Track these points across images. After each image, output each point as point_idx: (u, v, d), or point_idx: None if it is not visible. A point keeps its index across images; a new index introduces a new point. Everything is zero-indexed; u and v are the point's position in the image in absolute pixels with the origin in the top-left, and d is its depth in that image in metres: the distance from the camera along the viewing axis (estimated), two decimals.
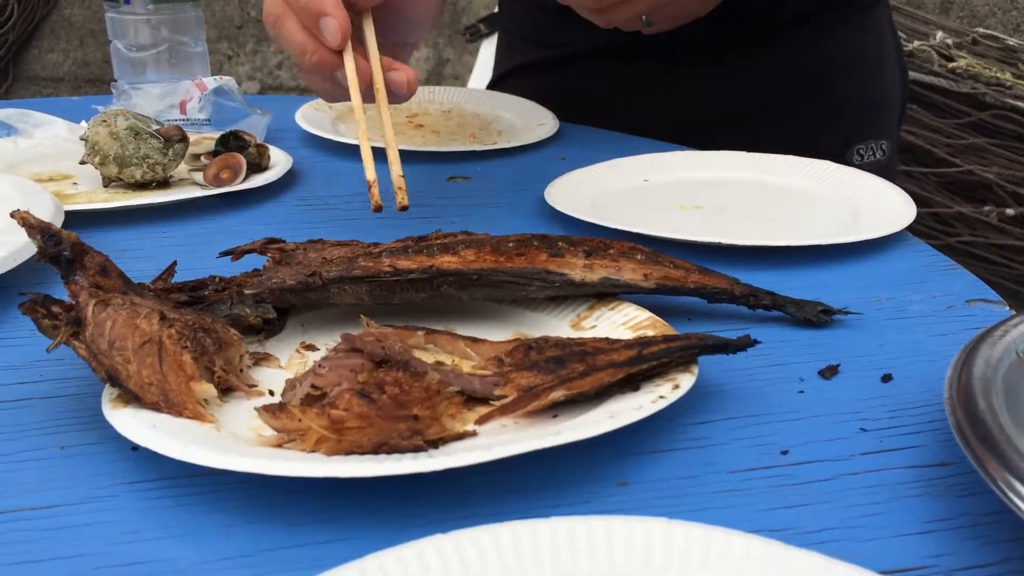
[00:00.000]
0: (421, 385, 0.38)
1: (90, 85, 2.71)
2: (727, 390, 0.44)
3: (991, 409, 0.34)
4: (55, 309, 0.41)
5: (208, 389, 0.39)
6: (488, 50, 1.88)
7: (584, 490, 0.37)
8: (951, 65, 2.07)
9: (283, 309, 0.49)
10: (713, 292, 0.50)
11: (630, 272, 0.50)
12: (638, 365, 0.40)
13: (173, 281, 0.49)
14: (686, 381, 0.40)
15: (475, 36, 2.00)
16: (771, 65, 0.93)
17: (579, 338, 0.43)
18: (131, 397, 0.38)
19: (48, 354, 0.41)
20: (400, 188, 0.53)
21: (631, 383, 0.40)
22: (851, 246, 0.60)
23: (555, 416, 0.39)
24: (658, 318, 0.47)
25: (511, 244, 0.49)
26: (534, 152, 0.88)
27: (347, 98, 0.59)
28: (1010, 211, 2.03)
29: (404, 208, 0.53)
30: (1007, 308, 0.53)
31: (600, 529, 0.31)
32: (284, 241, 0.54)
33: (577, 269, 0.49)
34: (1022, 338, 0.40)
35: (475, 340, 0.44)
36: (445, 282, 0.48)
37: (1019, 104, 2.03)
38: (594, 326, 0.48)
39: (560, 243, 0.50)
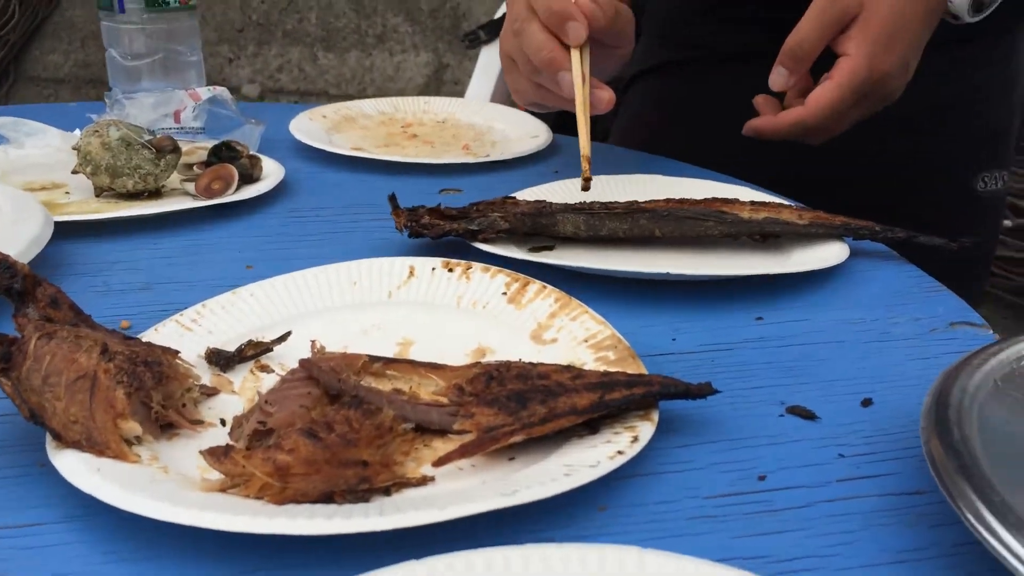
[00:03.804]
0: (373, 423, 0.38)
1: (91, 86, 2.72)
2: (709, 413, 0.44)
3: (965, 440, 0.34)
4: None
5: (134, 427, 0.39)
6: (487, 56, 1.88)
7: (563, 514, 0.37)
8: None
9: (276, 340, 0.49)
10: (857, 230, 0.63)
11: (788, 213, 0.64)
12: (599, 411, 0.40)
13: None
14: (645, 431, 0.40)
15: (474, 43, 2.00)
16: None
17: (541, 365, 0.43)
18: (54, 436, 0.38)
19: None
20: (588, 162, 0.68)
21: (590, 425, 0.40)
22: (836, 267, 0.61)
23: (512, 459, 0.40)
24: (620, 337, 0.47)
25: (692, 200, 0.66)
26: (528, 166, 0.88)
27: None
28: (1008, 222, 2.03)
29: (589, 179, 0.67)
30: (991, 332, 0.53)
31: (574, 557, 0.32)
32: None
33: (745, 211, 0.64)
34: (1001, 366, 0.40)
35: (435, 366, 0.44)
36: (643, 216, 0.63)
37: None
38: (555, 339, 0.49)
39: (733, 199, 0.66)
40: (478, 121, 1.03)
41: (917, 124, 0.94)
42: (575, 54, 0.69)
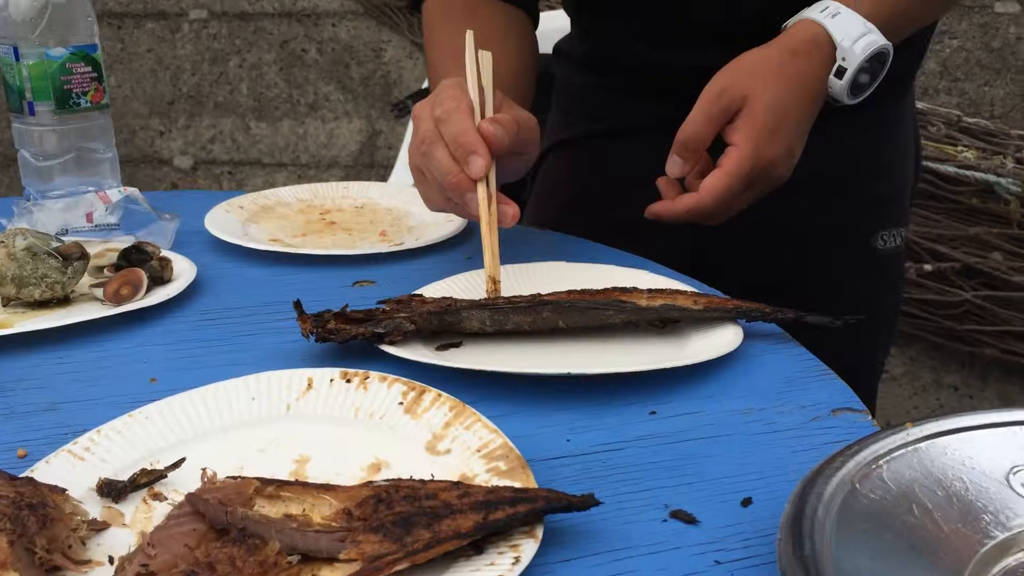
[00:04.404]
0: (257, 560, 0.38)
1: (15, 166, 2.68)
2: (593, 522, 0.46)
3: (815, 555, 0.36)
4: None
5: None
6: None
7: None
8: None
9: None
10: (749, 312, 0.66)
11: (683, 299, 0.67)
12: (483, 533, 0.41)
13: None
14: (528, 550, 0.41)
15: (403, 112, 2.03)
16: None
17: (431, 483, 0.44)
18: None
19: None
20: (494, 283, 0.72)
21: (475, 544, 0.42)
22: (730, 353, 0.63)
23: None
24: (511, 446, 0.49)
25: (592, 291, 0.68)
26: (442, 252, 0.89)
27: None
28: (928, 267, 2.11)
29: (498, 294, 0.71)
30: (869, 418, 0.56)
31: None
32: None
33: (643, 299, 0.66)
34: (858, 467, 0.42)
35: (327, 487, 0.45)
36: (546, 309, 0.64)
37: (931, 165, 2.12)
38: (449, 450, 0.50)
39: (631, 289, 0.68)
40: (396, 205, 1.04)
41: (814, 189, 0.98)
42: None
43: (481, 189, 0.72)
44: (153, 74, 2.54)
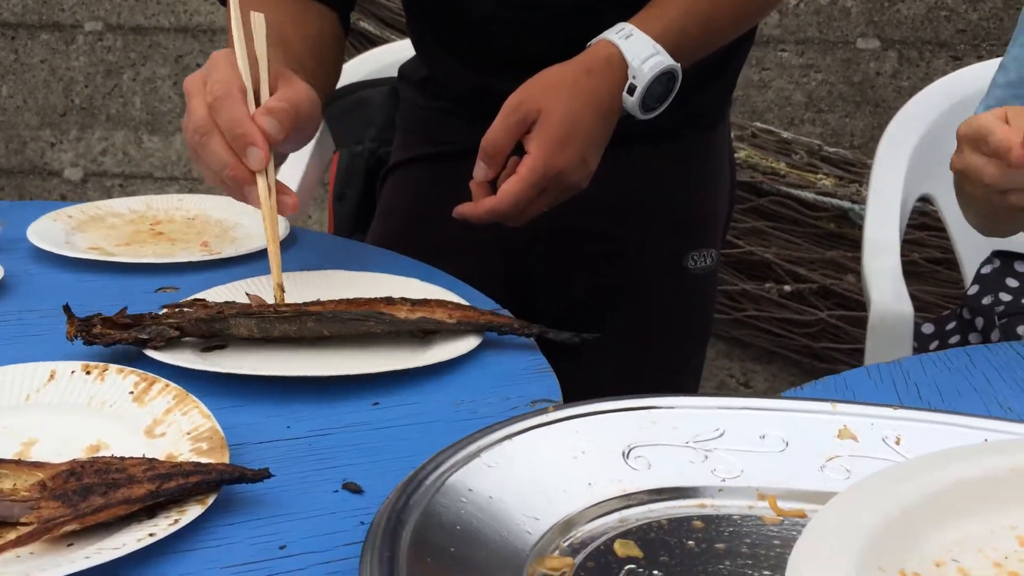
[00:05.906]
0: None
1: None
2: (273, 492, 0.52)
3: (403, 510, 0.43)
4: None
5: None
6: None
7: None
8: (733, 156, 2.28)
9: None
10: (500, 327, 0.72)
11: (440, 313, 0.72)
12: (153, 500, 0.47)
13: None
14: (191, 513, 0.47)
15: None
16: (611, 178, 0.94)
17: (127, 460, 0.50)
18: None
19: None
20: (281, 290, 0.75)
21: (149, 510, 0.47)
22: (474, 357, 0.69)
23: (70, 544, 0.46)
24: (218, 428, 0.55)
25: (361, 301, 0.72)
26: (256, 262, 0.94)
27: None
28: (788, 287, 2.23)
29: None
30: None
31: None
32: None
33: (403, 312, 0.71)
34: (490, 442, 0.49)
35: (38, 464, 0.51)
36: (310, 319, 0.69)
37: (792, 191, 2.25)
38: (164, 433, 0.56)
39: (396, 300, 0.73)
40: (226, 217, 1.09)
41: (627, 209, 1.06)
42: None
43: (261, 181, 0.74)
44: (46, 85, 2.54)
